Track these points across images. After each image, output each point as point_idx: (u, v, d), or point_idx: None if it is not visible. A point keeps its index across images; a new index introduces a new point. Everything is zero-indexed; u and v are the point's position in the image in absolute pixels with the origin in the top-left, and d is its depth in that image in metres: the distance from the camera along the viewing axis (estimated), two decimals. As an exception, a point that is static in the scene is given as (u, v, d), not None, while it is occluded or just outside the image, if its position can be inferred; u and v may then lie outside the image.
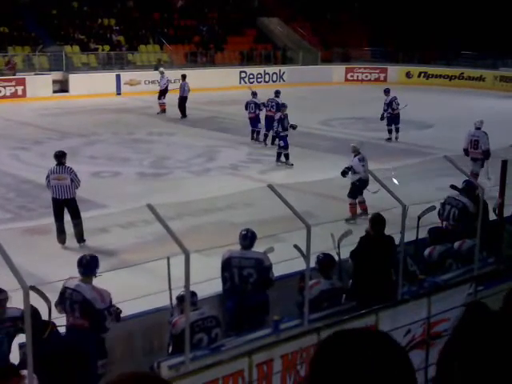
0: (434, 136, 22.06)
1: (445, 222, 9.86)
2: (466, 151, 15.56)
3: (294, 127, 17.71)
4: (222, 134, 21.90)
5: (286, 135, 17.54)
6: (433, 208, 9.05)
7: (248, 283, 7.58)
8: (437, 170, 15.47)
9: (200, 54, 36.04)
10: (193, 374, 5.73)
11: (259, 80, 35.54)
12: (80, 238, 11.19)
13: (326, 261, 7.61)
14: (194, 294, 6.72)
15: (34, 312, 6.02)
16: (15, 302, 5.86)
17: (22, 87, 28.33)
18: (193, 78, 32.44)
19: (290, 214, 7.01)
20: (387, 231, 8.07)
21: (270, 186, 7.25)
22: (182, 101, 25.00)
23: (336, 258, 7.92)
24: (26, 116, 24.67)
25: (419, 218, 8.78)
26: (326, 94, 31.59)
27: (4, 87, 28.01)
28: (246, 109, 20.67)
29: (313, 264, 7.32)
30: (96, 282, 7.03)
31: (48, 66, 30.65)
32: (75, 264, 7.10)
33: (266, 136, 20.12)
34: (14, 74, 28.86)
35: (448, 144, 18.94)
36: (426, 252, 8.71)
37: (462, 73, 37.05)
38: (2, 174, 16.03)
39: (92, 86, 29.42)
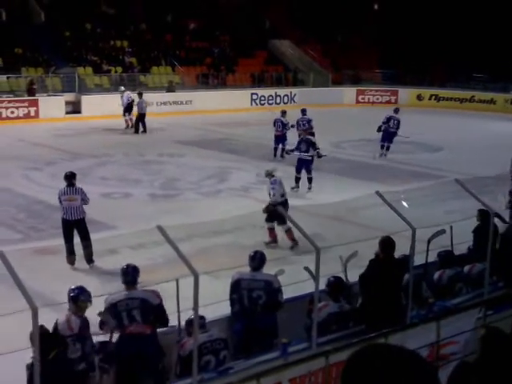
0: (444, 159, 22.06)
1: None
2: None
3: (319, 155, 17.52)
4: (232, 155, 21.95)
5: (306, 159, 17.15)
6: (443, 231, 9.02)
7: (257, 305, 7.55)
8: (447, 193, 15.48)
9: (211, 75, 36.26)
10: (200, 396, 5.72)
11: (270, 102, 35.69)
12: (89, 259, 11.21)
13: (336, 284, 7.60)
14: (201, 317, 6.71)
15: (45, 333, 6.05)
16: (24, 322, 5.86)
17: (34, 108, 28.56)
18: (204, 100, 32.80)
19: (300, 236, 7.02)
20: (396, 254, 8.05)
21: (280, 209, 7.28)
22: (141, 117, 26.66)
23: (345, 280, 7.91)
24: (38, 137, 24.84)
25: (429, 241, 8.76)
26: (336, 115, 31.67)
27: (17, 108, 28.25)
28: (274, 126, 21.35)
29: (322, 286, 7.32)
30: (103, 303, 7.05)
31: (61, 88, 30.90)
32: (84, 284, 7.14)
33: (282, 150, 20.97)
34: (34, 95, 29.21)
35: (458, 167, 18.97)
36: (436, 276, 8.68)
37: (473, 96, 37.09)
38: (13, 195, 16.12)
39: (104, 107, 29.63)
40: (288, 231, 12.17)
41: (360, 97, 38.47)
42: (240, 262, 8.01)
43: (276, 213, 12.16)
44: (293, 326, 7.61)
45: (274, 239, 12.59)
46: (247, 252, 8.04)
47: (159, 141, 24.76)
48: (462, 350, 6.91)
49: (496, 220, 9.10)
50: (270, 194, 12.80)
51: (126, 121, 27.46)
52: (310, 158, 17.03)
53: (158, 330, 7.20)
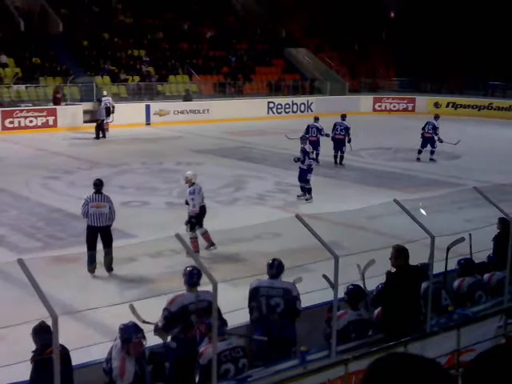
0: (462, 166, 21.97)
1: None
2: None
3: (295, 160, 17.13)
4: (249, 163, 21.99)
5: (300, 168, 16.86)
6: (462, 239, 8.96)
7: (275, 313, 7.54)
8: (465, 201, 15.42)
9: (228, 84, 36.37)
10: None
11: (287, 110, 35.73)
12: (109, 266, 11.27)
13: (354, 292, 7.58)
14: (224, 323, 6.68)
15: (42, 328, 6.08)
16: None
17: (53, 117, 28.77)
18: (221, 108, 32.90)
19: (318, 244, 7.01)
20: (415, 263, 8.02)
21: (298, 217, 7.27)
22: (101, 123, 27.17)
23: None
24: (56, 145, 25.03)
25: (448, 249, 8.71)
26: (353, 123, 31.45)
27: (36, 117, 28.47)
28: (307, 132, 21.44)
29: (341, 295, 7.30)
30: (122, 311, 7.06)
31: (79, 97, 31.12)
32: (103, 292, 7.16)
33: (341, 158, 21.91)
34: (60, 104, 29.57)
35: (476, 174, 18.86)
36: (455, 284, 8.63)
37: (491, 103, 36.91)
38: (32, 203, 16.22)
39: (122, 116, 29.80)
40: (205, 234, 12.31)
41: (377, 105, 38.41)
42: (258, 270, 8.01)
43: (194, 223, 12.24)
44: (311, 335, 7.60)
45: (196, 249, 12.08)
46: (265, 260, 8.04)
47: (177, 149, 24.84)
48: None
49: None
50: (188, 204, 12.44)
51: (106, 123, 28.39)
52: (306, 168, 16.75)
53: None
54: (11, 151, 23.83)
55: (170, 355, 6.98)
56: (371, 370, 1.73)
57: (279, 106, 35.65)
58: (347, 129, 21.97)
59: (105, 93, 29.66)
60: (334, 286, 6.90)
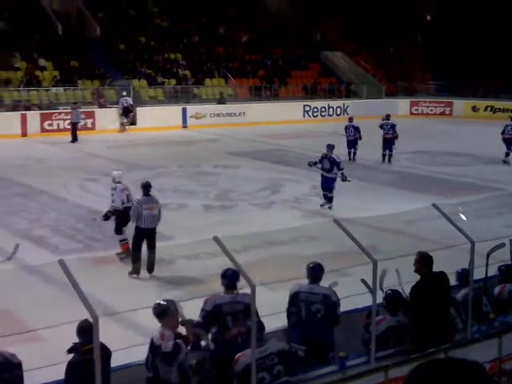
0: (501, 171, 21.69)
1: None
2: None
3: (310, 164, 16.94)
4: (285, 167, 21.98)
5: (326, 177, 16.51)
6: (502, 245, 8.84)
7: (315, 319, 7.50)
8: (505, 206, 15.23)
9: (264, 87, 36.41)
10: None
11: (323, 114, 35.67)
12: (151, 267, 11.35)
13: (393, 297, 7.50)
14: (262, 327, 6.61)
15: (83, 327, 6.11)
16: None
17: (91, 120, 29.10)
18: (257, 112, 32.95)
19: (355, 248, 6.97)
20: (455, 268, 7.94)
21: (336, 221, 7.24)
22: (74, 126, 26.84)
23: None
24: (95, 148, 25.30)
25: (488, 255, 8.60)
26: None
27: (74, 120, 28.79)
28: (346, 132, 22.94)
29: (379, 300, 7.24)
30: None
31: (116, 100, 31.45)
32: (143, 293, 7.20)
33: (390, 156, 22.82)
34: (105, 106, 30.26)
35: (515, 179, 18.58)
36: (496, 290, 8.51)
37: (530, 107, 36.37)
38: (71, 205, 16.42)
39: (159, 119, 30.04)
40: (123, 241, 12.36)
41: (414, 108, 38.13)
42: (295, 274, 7.99)
43: (122, 221, 12.29)
44: (349, 340, 7.55)
45: (126, 250, 12.26)
46: (302, 264, 8.01)
47: (213, 152, 24.94)
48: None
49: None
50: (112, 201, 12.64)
51: (122, 124, 29.28)
52: (334, 177, 16.40)
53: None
54: (50, 153, 24.17)
55: (209, 357, 7.02)
56: (413, 375, 1.71)
57: (315, 110, 35.59)
58: (394, 126, 22.85)
59: (124, 93, 30.10)
60: (372, 290, 6.86)
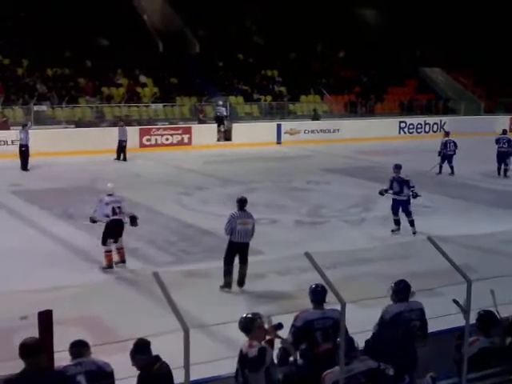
0: None
1: None
2: None
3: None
4: (379, 184, 21.66)
5: (397, 200, 15.87)
6: None
7: (413, 336, 7.35)
8: None
9: (359, 103, 36.22)
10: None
11: (419, 130, 35.19)
12: (242, 281, 11.49)
13: (487, 318, 7.32)
14: (352, 344, 6.36)
15: (144, 345, 6.21)
16: (174, 342, 6.04)
17: (188, 135, 29.74)
18: (351, 128, 32.83)
19: (447, 267, 6.85)
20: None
21: (430, 239, 7.14)
22: (23, 148, 23.48)
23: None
24: (190, 163, 25.83)
25: None
26: (488, 144, 30.58)
27: (171, 135, 29.55)
28: (445, 147, 23.05)
29: (472, 321, 7.08)
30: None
31: (213, 115, 32.00)
32: (233, 308, 7.27)
33: (506, 171, 22.91)
34: (205, 122, 31.11)
35: None
36: None
37: None
38: (167, 218, 16.80)
39: (254, 135, 30.37)
40: (120, 249, 12.59)
41: (514, 125, 37.01)
42: (385, 292, 7.90)
43: (105, 235, 12.39)
44: (438, 360, 7.40)
45: (109, 264, 12.45)
46: (392, 282, 7.89)
47: (306, 168, 24.99)
48: None
49: None
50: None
51: (219, 131, 30.25)
52: (406, 199, 15.74)
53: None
54: (148, 168, 24.86)
55: (296, 372, 7.03)
56: None
57: (411, 126, 35.14)
58: (510, 141, 22.74)
59: (220, 102, 31.04)
60: (465, 311, 6.72)
